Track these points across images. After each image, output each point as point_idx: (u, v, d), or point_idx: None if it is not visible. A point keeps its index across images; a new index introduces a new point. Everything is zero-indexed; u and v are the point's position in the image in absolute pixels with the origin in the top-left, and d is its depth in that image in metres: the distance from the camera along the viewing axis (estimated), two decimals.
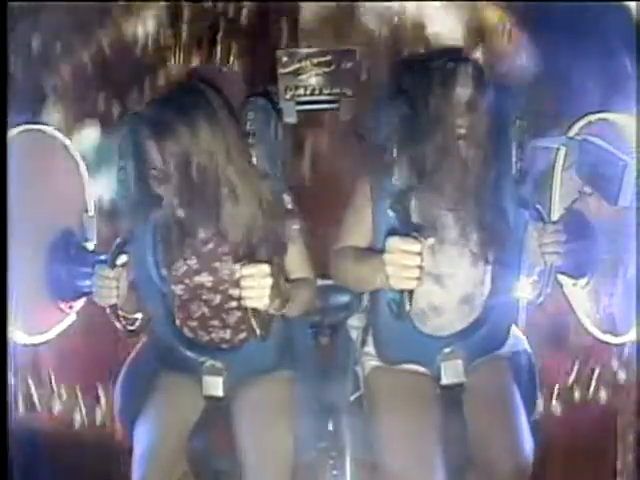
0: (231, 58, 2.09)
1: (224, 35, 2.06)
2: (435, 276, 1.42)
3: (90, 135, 1.88)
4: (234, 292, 1.28)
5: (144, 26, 1.99)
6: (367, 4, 2.01)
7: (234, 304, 1.45)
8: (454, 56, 1.37)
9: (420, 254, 1.15)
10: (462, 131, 1.35)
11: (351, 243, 1.46)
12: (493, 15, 1.98)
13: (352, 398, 1.58)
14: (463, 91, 1.32)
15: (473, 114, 1.33)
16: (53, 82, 1.84)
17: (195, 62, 2.08)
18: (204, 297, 1.48)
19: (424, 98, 1.36)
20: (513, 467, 1.39)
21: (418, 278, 1.16)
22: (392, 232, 1.23)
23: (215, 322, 1.50)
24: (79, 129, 1.88)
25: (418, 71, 1.39)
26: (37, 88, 1.80)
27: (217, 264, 1.45)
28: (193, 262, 1.46)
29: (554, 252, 1.38)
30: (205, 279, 1.46)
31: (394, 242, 1.17)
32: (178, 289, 1.48)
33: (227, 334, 1.52)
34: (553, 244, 1.37)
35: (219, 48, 2.06)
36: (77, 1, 1.65)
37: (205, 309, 1.49)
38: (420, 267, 1.16)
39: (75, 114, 1.88)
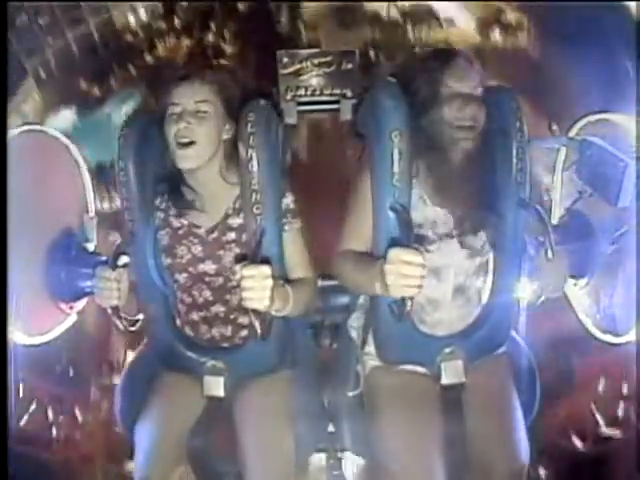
0: (222, 43, 2.10)
1: (218, 21, 2.07)
2: (433, 270, 1.43)
3: (67, 117, 1.86)
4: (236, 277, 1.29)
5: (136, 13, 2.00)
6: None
7: (236, 283, 1.43)
8: (452, 57, 1.39)
9: (422, 265, 1.15)
10: (463, 133, 1.37)
11: (351, 247, 1.46)
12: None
13: (352, 394, 1.58)
14: (456, 60, 1.36)
15: (470, 76, 1.37)
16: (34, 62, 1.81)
17: (185, 44, 2.09)
18: (207, 282, 1.49)
19: (424, 100, 1.37)
20: (509, 468, 1.40)
21: (419, 286, 1.16)
22: (393, 242, 1.24)
23: (219, 308, 1.50)
24: (56, 111, 1.86)
25: (417, 74, 1.40)
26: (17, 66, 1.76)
27: (221, 252, 1.47)
28: (198, 250, 1.47)
29: (553, 284, 1.39)
30: (208, 267, 1.47)
31: (395, 253, 1.16)
32: (181, 277, 1.49)
33: (228, 330, 1.52)
34: (552, 275, 1.38)
35: (211, 34, 2.08)
36: (79, 1, 1.65)
37: (207, 292, 1.49)
38: (421, 277, 1.16)
39: (53, 95, 1.86)
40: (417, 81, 1.39)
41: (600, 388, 2.01)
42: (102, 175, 1.68)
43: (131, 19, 2.05)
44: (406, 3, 2.24)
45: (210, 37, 2.24)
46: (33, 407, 1.89)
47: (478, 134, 1.38)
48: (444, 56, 1.40)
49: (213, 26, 2.23)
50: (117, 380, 1.61)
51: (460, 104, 1.36)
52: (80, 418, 2.09)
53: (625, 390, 1.94)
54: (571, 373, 1.97)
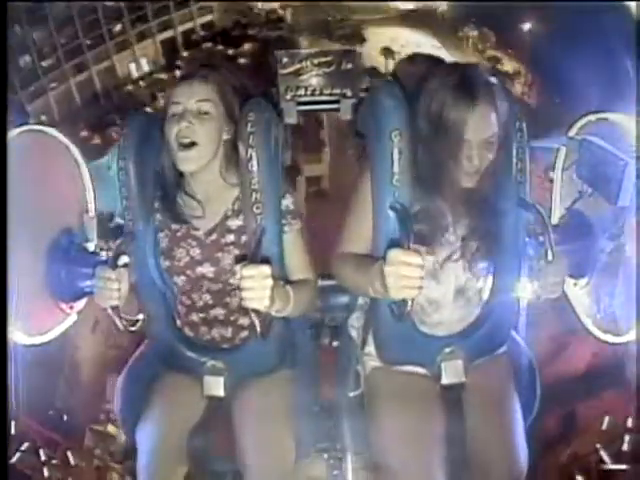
0: None
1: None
2: (433, 271, 1.43)
3: None
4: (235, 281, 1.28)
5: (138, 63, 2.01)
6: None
7: (235, 285, 1.43)
8: (468, 70, 1.36)
9: (421, 266, 1.15)
10: (467, 177, 1.37)
11: (351, 247, 1.46)
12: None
13: (353, 395, 1.58)
14: (479, 106, 1.32)
15: (489, 126, 1.33)
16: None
17: None
18: (206, 286, 1.49)
19: (435, 108, 1.35)
20: (507, 469, 1.40)
21: (419, 287, 1.16)
22: (393, 243, 1.23)
23: (219, 311, 1.50)
24: None
25: (432, 82, 1.37)
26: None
27: (219, 254, 1.46)
28: (196, 253, 1.47)
29: (552, 288, 1.38)
30: (207, 270, 1.47)
31: (395, 254, 1.16)
32: (180, 280, 1.48)
33: (228, 332, 1.52)
34: (550, 278, 1.37)
35: None
36: (76, 1, 1.65)
37: (207, 296, 1.49)
38: (421, 278, 1.16)
39: None
40: (435, 117, 1.34)
41: (604, 426, 2.01)
42: (101, 225, 1.69)
43: (133, 69, 2.07)
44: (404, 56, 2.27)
45: None
46: (26, 445, 1.88)
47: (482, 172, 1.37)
48: (467, 97, 1.31)
49: None
50: (111, 428, 1.62)
51: (472, 154, 1.34)
52: (72, 462, 2.09)
53: (630, 423, 1.94)
54: (573, 417, 1.97)
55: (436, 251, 1.42)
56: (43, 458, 1.97)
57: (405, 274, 1.15)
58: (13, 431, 1.81)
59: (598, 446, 2.09)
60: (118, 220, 1.60)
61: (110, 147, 1.65)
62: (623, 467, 2.02)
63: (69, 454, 2.07)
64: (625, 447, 2.05)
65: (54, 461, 1.98)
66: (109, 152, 1.59)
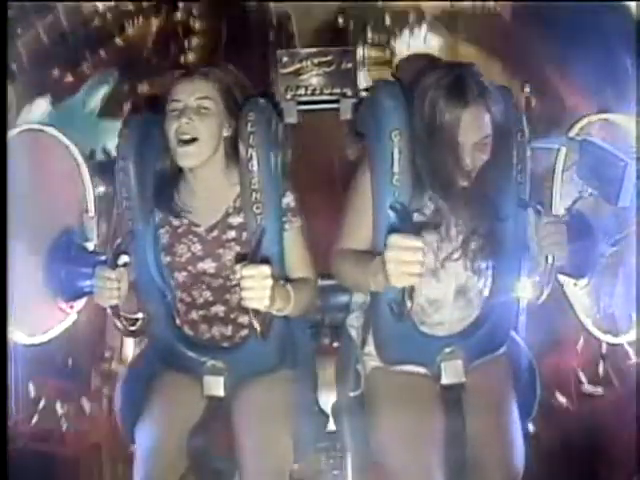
0: (191, 20, 2.13)
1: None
2: (431, 270, 1.42)
3: (41, 107, 1.85)
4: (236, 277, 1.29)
5: None
6: None
7: (236, 282, 1.41)
8: (461, 71, 1.36)
9: (422, 249, 1.14)
10: (461, 177, 1.36)
11: (351, 246, 1.46)
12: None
13: (353, 395, 1.58)
14: (470, 108, 1.31)
15: (481, 128, 1.33)
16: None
17: (154, 24, 2.12)
18: (206, 282, 1.49)
19: (428, 109, 1.35)
20: (505, 472, 1.40)
21: (419, 274, 1.15)
22: (393, 229, 1.23)
23: (219, 308, 1.50)
24: (30, 103, 1.86)
25: (426, 83, 1.36)
26: None
27: (221, 250, 1.47)
28: (197, 249, 1.47)
29: (554, 243, 1.35)
30: (208, 265, 1.47)
31: (395, 239, 1.15)
32: (180, 276, 1.49)
33: (228, 330, 1.52)
34: (551, 236, 1.34)
35: (179, 11, 2.11)
36: (79, 1, 1.65)
37: (207, 293, 1.49)
38: (421, 263, 1.14)
39: (27, 86, 1.85)
40: (427, 118, 1.34)
41: (579, 348, 2.03)
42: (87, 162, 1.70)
43: (98, 2, 2.08)
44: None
45: (179, 15, 2.29)
46: (42, 404, 1.90)
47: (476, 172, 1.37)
48: (459, 99, 1.31)
49: (180, 3, 2.28)
50: (115, 366, 1.61)
51: (464, 155, 1.34)
52: (87, 409, 2.10)
53: (604, 350, 1.96)
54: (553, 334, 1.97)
55: (436, 250, 1.42)
56: (60, 411, 1.99)
57: (405, 259, 1.14)
58: (33, 393, 1.83)
59: (575, 365, 2.11)
60: (100, 156, 1.60)
61: (82, 83, 1.65)
62: (599, 391, 2.04)
63: (83, 400, 2.09)
64: (600, 372, 2.07)
65: (67, 407, 2.00)
66: (81, 89, 1.58)
